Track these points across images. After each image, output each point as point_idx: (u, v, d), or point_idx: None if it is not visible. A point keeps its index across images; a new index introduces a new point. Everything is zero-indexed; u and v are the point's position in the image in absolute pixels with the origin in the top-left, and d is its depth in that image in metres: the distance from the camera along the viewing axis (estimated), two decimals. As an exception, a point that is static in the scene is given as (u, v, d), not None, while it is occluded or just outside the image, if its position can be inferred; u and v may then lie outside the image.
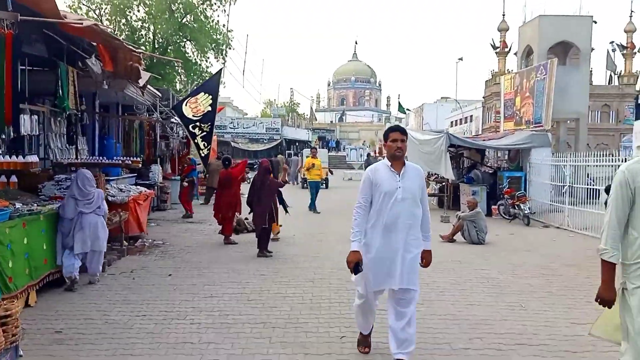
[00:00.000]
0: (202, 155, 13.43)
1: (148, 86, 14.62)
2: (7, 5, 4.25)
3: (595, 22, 17.14)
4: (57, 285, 6.66)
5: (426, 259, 4.42)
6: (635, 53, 31.45)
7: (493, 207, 15.22)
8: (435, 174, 17.46)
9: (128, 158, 10.64)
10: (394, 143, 4.28)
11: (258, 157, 42.53)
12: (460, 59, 50.92)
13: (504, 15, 33.94)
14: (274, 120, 47.86)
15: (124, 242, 9.59)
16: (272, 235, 9.84)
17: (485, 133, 27.65)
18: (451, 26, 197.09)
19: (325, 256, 9.08)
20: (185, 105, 13.80)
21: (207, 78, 26.07)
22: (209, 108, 13.76)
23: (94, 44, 8.54)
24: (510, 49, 34.19)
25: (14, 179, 7.13)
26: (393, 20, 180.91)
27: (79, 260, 6.90)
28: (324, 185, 25.86)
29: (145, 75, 11.47)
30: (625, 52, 30.73)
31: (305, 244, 10.31)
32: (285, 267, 8.18)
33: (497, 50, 33.55)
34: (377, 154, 39.44)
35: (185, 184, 14.57)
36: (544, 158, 14.46)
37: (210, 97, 13.85)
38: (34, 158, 7.69)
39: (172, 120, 16.90)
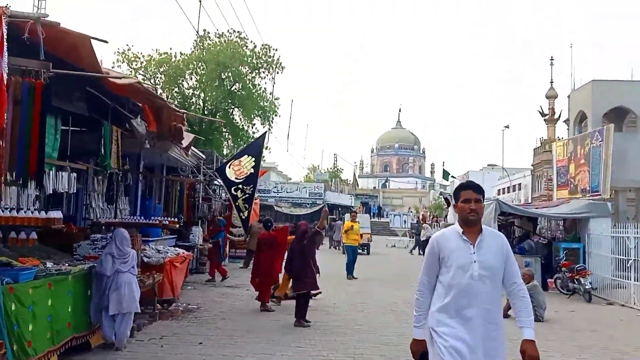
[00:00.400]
0: (243, 217, 13.13)
1: (192, 148, 14.79)
2: (40, 54, 4.14)
3: (654, 87, 16.49)
4: (80, 351, 6.27)
5: (529, 352, 3.30)
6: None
7: (549, 280, 14.15)
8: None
9: (166, 218, 10.41)
10: (467, 204, 3.43)
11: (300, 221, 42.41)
12: (507, 126, 50.23)
13: (551, 82, 33.23)
14: (317, 185, 47.89)
15: (157, 305, 9.25)
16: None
17: (536, 202, 26.53)
18: (496, 94, 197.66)
19: (367, 329, 8.40)
20: (229, 167, 13.74)
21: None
22: (252, 170, 13.63)
23: (140, 104, 8.62)
24: (559, 117, 33.46)
25: (33, 235, 6.94)
26: (437, 87, 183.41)
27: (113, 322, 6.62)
28: (365, 250, 25.26)
29: (188, 137, 11.53)
30: (545, 118, 29.71)
31: (346, 314, 9.65)
32: (323, 340, 7.55)
33: (546, 117, 32.85)
34: (422, 221, 38.48)
35: (210, 244, 14.16)
36: (604, 229, 13.47)
37: (254, 159, 13.77)
38: (57, 214, 7.52)
39: (215, 182, 16.94)
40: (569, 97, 33.91)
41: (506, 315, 9.99)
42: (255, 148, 14.34)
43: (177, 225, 11.32)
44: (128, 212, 11.71)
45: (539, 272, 14.77)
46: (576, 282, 12.65)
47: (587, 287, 12.29)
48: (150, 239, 12.54)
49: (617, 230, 12.58)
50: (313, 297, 11.39)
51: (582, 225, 14.64)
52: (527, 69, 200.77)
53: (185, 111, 10.09)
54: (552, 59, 33.59)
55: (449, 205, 19.98)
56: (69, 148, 7.78)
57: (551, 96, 32.93)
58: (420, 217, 47.18)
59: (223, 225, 14.80)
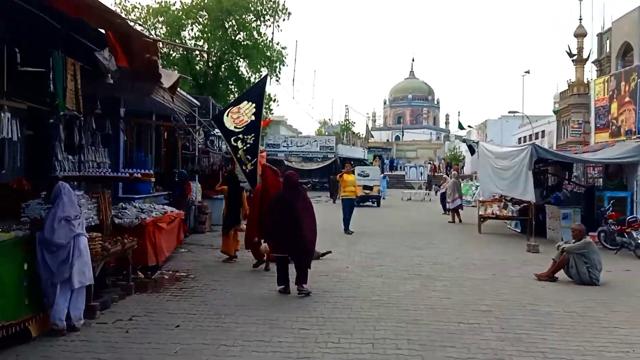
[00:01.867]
0: (247, 170, 11.44)
1: (183, 93, 13.06)
2: None
3: None
4: (14, 343, 4.81)
5: None
6: None
7: (591, 234, 12.38)
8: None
9: (138, 171, 8.82)
10: None
11: (312, 176, 40.89)
12: (527, 72, 47.74)
13: (580, 19, 30.74)
14: (328, 139, 46.07)
15: (139, 274, 7.80)
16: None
17: (562, 148, 24.50)
18: (514, 39, 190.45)
19: (388, 300, 6.85)
20: (227, 115, 12.04)
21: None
22: (253, 118, 11.91)
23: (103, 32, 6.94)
24: (589, 57, 30.98)
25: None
26: (451, 35, 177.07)
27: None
28: (376, 203, 24.51)
29: (171, 76, 9.79)
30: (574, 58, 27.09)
31: (362, 281, 8.09)
32: (334, 317, 6.02)
33: (574, 57, 30.36)
34: (433, 171, 36.70)
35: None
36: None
37: (254, 105, 12.04)
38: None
39: (213, 132, 15.28)
40: (606, 32, 31.37)
41: (553, 278, 8.45)
42: (256, 93, 12.54)
43: (153, 179, 9.70)
44: (108, 166, 10.13)
45: (579, 225, 13.14)
46: (626, 236, 10.97)
47: (639, 241, 10.60)
48: (138, 196, 11.13)
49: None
50: (321, 258, 9.94)
51: (630, 171, 12.83)
52: (549, 7, 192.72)
53: (157, 38, 8.32)
54: (581, -7, 30.80)
55: (472, 153, 18.16)
56: (12, 85, 6.12)
57: (580, 34, 30.37)
58: (432, 167, 45.48)
59: (185, 176, 12.85)
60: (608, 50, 30.76)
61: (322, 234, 14.00)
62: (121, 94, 10.33)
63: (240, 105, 12.17)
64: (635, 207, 12.33)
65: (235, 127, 11.87)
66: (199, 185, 14.34)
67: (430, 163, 49.18)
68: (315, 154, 43.75)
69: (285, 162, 42.28)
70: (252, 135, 11.88)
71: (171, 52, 34.04)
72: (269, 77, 35.12)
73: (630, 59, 16.07)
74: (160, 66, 7.84)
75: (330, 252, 10.28)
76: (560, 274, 8.27)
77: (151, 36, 7.68)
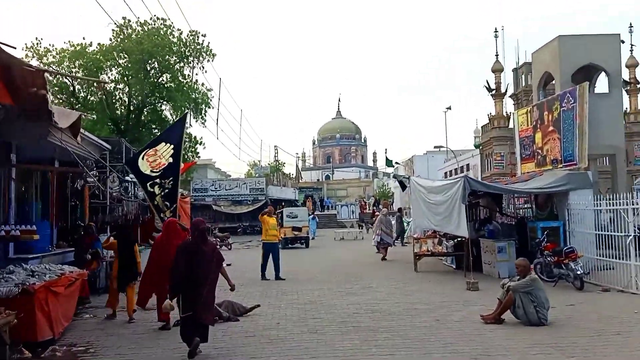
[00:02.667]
0: (165, 218, 10.25)
1: (90, 135, 11.78)
2: None
3: (623, 42, 14.86)
4: None
5: None
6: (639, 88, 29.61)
7: (515, 263, 12.13)
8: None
9: (16, 227, 7.51)
10: None
11: (242, 220, 39.50)
12: (449, 108, 49.39)
13: (497, 55, 31.93)
14: (258, 180, 45.02)
15: (25, 352, 6.43)
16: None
17: (490, 180, 24.88)
18: (434, 76, 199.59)
19: (325, 364, 5.92)
20: (142, 158, 10.95)
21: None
22: (171, 160, 10.90)
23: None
24: (506, 91, 32.29)
25: None
26: (375, 74, 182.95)
27: None
28: (304, 244, 24.02)
29: (70, 115, 8.62)
30: (628, 88, 28.79)
31: (294, 340, 7.10)
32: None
33: (493, 92, 31.51)
34: (363, 211, 36.46)
35: (89, 256, 10.87)
36: (588, 202, 11.61)
37: (172, 147, 11.02)
38: None
39: (128, 178, 13.98)
40: (521, 67, 32.87)
41: (499, 320, 7.86)
42: (175, 133, 11.53)
43: (36, 236, 8.40)
44: (-6, 222, 8.68)
45: (514, 258, 12.84)
46: (564, 268, 10.69)
47: (578, 272, 10.34)
48: (32, 256, 9.64)
49: (612, 202, 10.65)
50: (249, 313, 8.91)
51: (560, 200, 12.78)
52: (466, 45, 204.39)
53: (43, 68, 7.25)
54: (496, 32, 32.36)
55: (404, 188, 17.84)
56: None
57: (497, 70, 31.63)
58: (361, 204, 45.40)
59: (93, 232, 11.51)
60: (524, 84, 32.28)
61: (251, 283, 13.01)
62: (9, 137, 9.03)
63: (157, 148, 11.10)
64: (568, 236, 12.21)
65: (151, 171, 10.77)
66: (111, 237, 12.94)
67: (361, 200, 49.04)
68: (245, 197, 42.53)
69: (214, 206, 40.76)
70: (171, 179, 10.82)
71: (89, 96, 32.28)
72: (192, 118, 34.03)
73: (551, 88, 16.45)
74: (50, 102, 6.72)
75: (258, 305, 9.26)
76: (507, 314, 7.68)
77: (36, 66, 6.55)
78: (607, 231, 11.51)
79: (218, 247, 20.05)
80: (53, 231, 11.55)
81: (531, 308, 7.40)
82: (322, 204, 56.14)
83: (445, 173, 44.68)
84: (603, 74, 15.21)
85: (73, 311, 8.43)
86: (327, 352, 6.37)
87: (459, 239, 14.14)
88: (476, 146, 45.23)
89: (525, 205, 16.79)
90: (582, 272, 10.36)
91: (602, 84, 16.33)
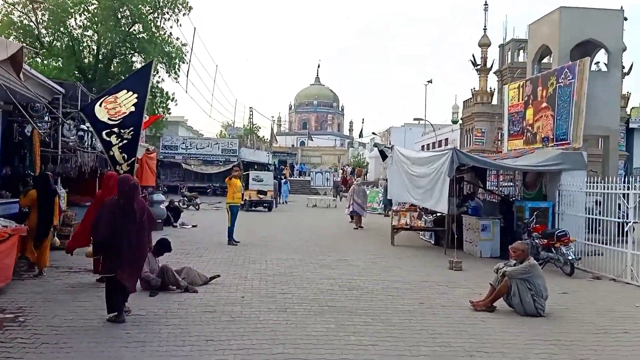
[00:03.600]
0: (121, 172, 9.07)
1: (42, 77, 10.40)
2: None
3: (626, 19, 14.01)
4: None
5: None
6: (624, 74, 29.11)
7: (511, 247, 11.46)
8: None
9: None
10: None
11: (212, 181, 38.24)
12: (430, 81, 48.63)
13: (485, 29, 30.93)
14: (230, 141, 43.57)
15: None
16: None
17: (485, 154, 24.15)
18: (417, 49, 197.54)
19: (294, 351, 5.01)
20: (99, 105, 9.70)
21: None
22: (132, 109, 9.66)
23: None
24: (492, 66, 31.44)
25: None
26: (357, 43, 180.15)
27: None
28: (267, 208, 24.09)
29: (7, 46, 7.32)
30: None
31: (260, 320, 6.17)
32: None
33: (478, 67, 30.63)
34: (343, 184, 35.52)
35: (26, 209, 9.18)
36: (582, 184, 10.89)
37: (136, 96, 9.77)
38: None
39: (86, 127, 12.64)
40: (508, 43, 32.03)
41: (491, 308, 7.09)
42: (139, 81, 10.23)
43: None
44: None
45: (497, 238, 12.19)
46: (553, 251, 10.00)
47: (569, 257, 9.66)
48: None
49: (607, 186, 9.94)
50: (209, 282, 7.99)
51: (551, 180, 12.06)
52: (452, 16, 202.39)
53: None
54: (486, 4, 31.28)
55: (384, 158, 16.92)
56: None
57: (484, 44, 30.74)
58: (341, 176, 44.12)
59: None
60: (509, 61, 31.48)
61: (217, 248, 12.07)
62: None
63: (118, 95, 9.83)
64: (557, 218, 11.54)
65: (109, 119, 9.52)
66: (64, 191, 11.73)
67: (341, 169, 47.53)
68: (216, 157, 41.20)
69: (184, 164, 39.43)
70: (131, 129, 9.60)
71: (54, 41, 30.20)
72: (165, 73, 32.31)
73: (545, 65, 15.61)
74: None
75: (218, 275, 8.31)
76: (499, 302, 6.91)
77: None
78: (593, 214, 10.94)
79: (179, 205, 19.20)
80: (-5, 178, 10.31)
81: (528, 297, 6.62)
82: (301, 171, 55.22)
83: (423, 146, 44.05)
84: (602, 51, 14.46)
85: (10, 271, 7.33)
86: (298, 337, 5.46)
87: (439, 214, 13.40)
88: (454, 122, 44.64)
89: (509, 184, 16.13)
90: (573, 257, 9.68)
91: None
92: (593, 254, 10.76)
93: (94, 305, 6.44)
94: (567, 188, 11.35)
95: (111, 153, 9.46)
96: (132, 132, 9.55)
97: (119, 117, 9.49)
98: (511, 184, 15.95)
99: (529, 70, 15.18)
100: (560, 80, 12.85)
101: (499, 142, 19.90)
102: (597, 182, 10.53)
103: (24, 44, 26.74)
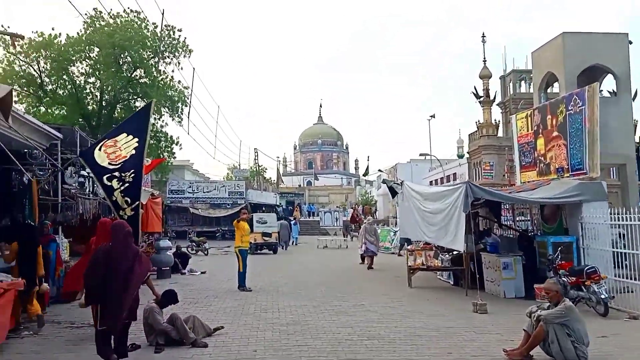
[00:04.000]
0: (125, 217, 8.69)
1: (38, 122, 10.15)
2: None
3: (631, 43, 13.73)
4: None
5: None
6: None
7: (536, 286, 10.89)
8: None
9: None
10: None
11: (221, 224, 37.83)
12: (432, 116, 48.18)
13: (484, 61, 30.95)
14: (237, 184, 43.38)
15: None
16: None
17: (501, 187, 23.66)
18: (419, 84, 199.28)
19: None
20: (99, 149, 9.41)
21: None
22: (133, 152, 9.34)
23: None
24: (494, 98, 31.30)
25: None
26: (358, 83, 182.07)
27: None
28: (272, 250, 23.71)
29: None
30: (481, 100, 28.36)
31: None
32: None
33: (481, 99, 30.49)
34: (351, 221, 35.01)
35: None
36: (605, 216, 10.37)
37: (137, 140, 9.48)
38: None
39: (84, 172, 12.32)
40: (508, 74, 31.94)
41: (528, 358, 6.46)
42: (138, 123, 9.91)
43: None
44: None
45: (521, 276, 11.58)
46: (584, 290, 9.40)
47: (602, 296, 9.04)
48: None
49: (633, 217, 9.40)
50: (211, 334, 7.48)
51: (572, 213, 11.55)
52: (451, 51, 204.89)
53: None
54: (483, 36, 31.40)
55: (394, 195, 16.50)
56: None
57: (485, 76, 30.66)
58: (350, 216, 43.40)
59: (47, 232, 9.99)
60: (511, 91, 31.35)
61: (227, 295, 11.52)
62: None
63: (117, 138, 9.51)
64: (582, 253, 10.97)
65: (109, 164, 9.20)
66: (65, 240, 11.34)
67: (351, 208, 46.90)
68: (224, 200, 40.99)
69: (191, 209, 39.19)
70: (132, 172, 9.24)
71: (58, 89, 30.43)
72: (168, 117, 32.33)
73: (551, 94, 15.32)
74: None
75: (222, 327, 7.80)
76: (535, 349, 6.32)
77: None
78: (618, 248, 10.37)
79: (187, 250, 18.76)
80: (-7, 231, 9.91)
81: (568, 344, 6.03)
82: (309, 211, 54.85)
83: (431, 182, 43.56)
84: (610, 76, 14.18)
85: (5, 328, 6.85)
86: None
87: (456, 252, 12.85)
88: (460, 156, 44.32)
89: (524, 218, 15.60)
90: (606, 295, 9.06)
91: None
92: (624, 291, 10.15)
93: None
94: (590, 220, 10.82)
95: (113, 198, 9.09)
96: (132, 175, 9.21)
97: (119, 161, 9.19)
98: (526, 218, 15.43)
99: (536, 99, 14.88)
100: (570, 108, 12.49)
101: (509, 175, 19.35)
102: (623, 214, 10.02)
103: (28, 91, 26.59)
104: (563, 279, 9.93)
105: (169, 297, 7.66)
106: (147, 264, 6.44)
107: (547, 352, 6.21)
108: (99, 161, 9.21)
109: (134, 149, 9.35)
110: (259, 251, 23.22)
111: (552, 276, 10.34)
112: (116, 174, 9.05)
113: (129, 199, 9.01)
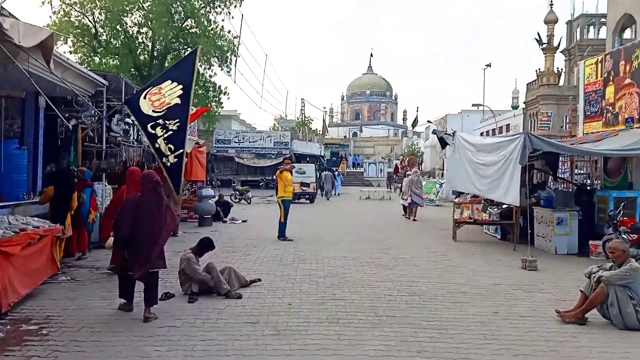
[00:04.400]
0: (168, 164, 8.50)
1: (82, 68, 10.00)
2: None
3: None
4: None
5: None
6: None
7: (591, 243, 10.20)
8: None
9: None
10: None
11: (265, 174, 38.00)
12: (488, 65, 45.84)
13: (551, 4, 28.69)
14: (282, 134, 43.21)
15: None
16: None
17: (560, 138, 22.42)
18: (474, 32, 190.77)
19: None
20: (144, 97, 9.16)
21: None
22: (177, 101, 9.03)
23: None
24: (559, 44, 29.27)
25: None
26: (411, 31, 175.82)
27: None
28: (309, 200, 24.17)
29: (36, 33, 6.80)
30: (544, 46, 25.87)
31: (308, 333, 5.38)
32: None
33: (544, 45, 28.53)
34: (395, 172, 34.37)
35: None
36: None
37: (181, 87, 9.16)
38: None
39: (128, 120, 12.25)
40: (576, 19, 29.75)
41: (583, 320, 5.94)
42: (183, 71, 9.56)
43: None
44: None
45: (576, 232, 10.86)
46: (646, 249, 8.67)
47: (667, 256, 8.30)
48: (5, 203, 8.09)
49: None
50: (247, 286, 7.30)
51: (638, 166, 10.63)
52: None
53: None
54: (551, -23, 29.03)
55: (444, 146, 15.78)
56: None
57: (551, 20, 28.55)
58: (394, 166, 42.71)
59: (89, 177, 9.86)
60: (578, 37, 29.22)
61: (266, 244, 11.41)
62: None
63: (162, 86, 9.23)
64: (646, 210, 10.13)
65: (153, 111, 8.95)
66: (109, 187, 11.36)
67: (398, 159, 46.11)
68: (268, 150, 40.98)
69: (237, 158, 39.43)
70: (177, 121, 8.97)
71: (111, 39, 30.64)
72: (217, 67, 32.12)
73: (626, 38, 13.98)
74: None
75: (260, 279, 7.57)
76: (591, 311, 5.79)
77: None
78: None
79: (230, 199, 18.85)
80: (37, 176, 10.01)
81: (630, 307, 5.47)
82: (354, 162, 54.39)
83: (482, 133, 41.98)
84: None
85: (41, 275, 6.86)
86: (352, 358, 4.62)
87: (506, 206, 12.17)
88: (514, 107, 42.32)
89: (583, 171, 14.63)
90: (672, 257, 8.31)
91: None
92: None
93: (128, 314, 5.85)
94: (660, 175, 9.92)
95: (157, 145, 8.86)
96: (177, 124, 8.96)
97: (163, 108, 8.92)
98: (583, 171, 14.47)
99: (609, 43, 13.63)
100: (647, 53, 11.31)
101: (571, 125, 18.07)
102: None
103: (83, 42, 26.78)
104: (623, 235, 9.21)
105: (204, 245, 7.49)
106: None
107: (605, 315, 5.67)
108: (144, 109, 9.00)
109: (179, 97, 9.06)
110: (296, 200, 23.28)
111: (612, 232, 9.66)
112: (160, 121, 8.79)
113: (172, 146, 8.76)
